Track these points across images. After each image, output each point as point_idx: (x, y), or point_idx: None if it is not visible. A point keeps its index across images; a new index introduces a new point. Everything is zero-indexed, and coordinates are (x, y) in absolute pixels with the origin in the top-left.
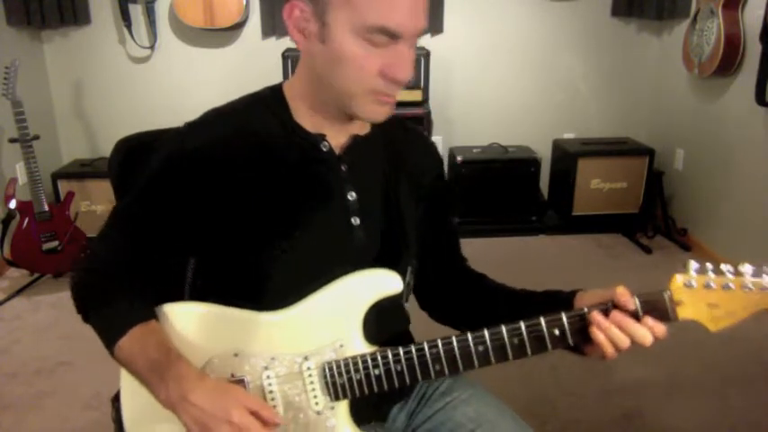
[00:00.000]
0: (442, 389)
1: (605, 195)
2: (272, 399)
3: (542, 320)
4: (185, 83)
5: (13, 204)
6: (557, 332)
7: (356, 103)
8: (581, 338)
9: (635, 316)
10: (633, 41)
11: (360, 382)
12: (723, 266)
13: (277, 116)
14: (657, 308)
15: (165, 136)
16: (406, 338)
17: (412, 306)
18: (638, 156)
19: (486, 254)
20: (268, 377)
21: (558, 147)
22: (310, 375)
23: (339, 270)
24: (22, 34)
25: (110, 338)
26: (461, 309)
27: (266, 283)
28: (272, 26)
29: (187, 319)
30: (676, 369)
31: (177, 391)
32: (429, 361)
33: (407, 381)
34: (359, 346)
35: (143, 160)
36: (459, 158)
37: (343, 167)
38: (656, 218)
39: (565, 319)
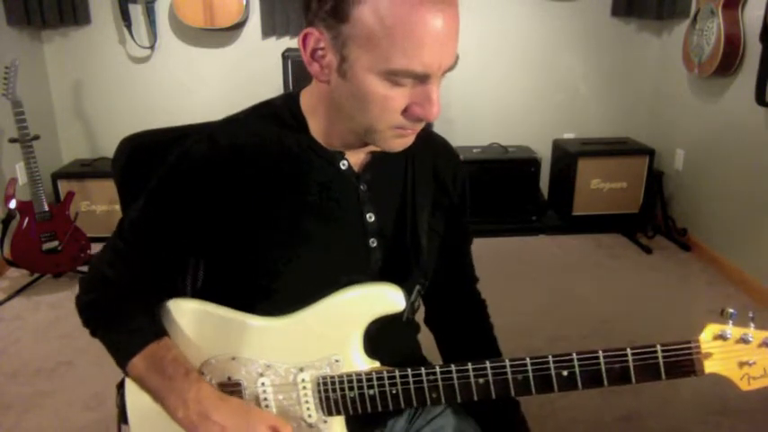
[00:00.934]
0: None
1: (605, 195)
2: (266, 406)
3: (551, 359)
4: (185, 83)
5: (13, 204)
6: (565, 373)
7: (378, 137)
8: (590, 382)
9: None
10: (633, 41)
11: (353, 400)
12: None
13: (293, 131)
14: (681, 363)
15: (176, 139)
16: (412, 355)
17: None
18: (638, 156)
19: (486, 254)
20: (263, 384)
21: (558, 147)
22: (304, 388)
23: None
24: (22, 34)
25: (122, 356)
26: (450, 332)
27: (270, 297)
28: (272, 26)
29: (189, 317)
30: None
31: (198, 410)
32: (426, 388)
33: (402, 404)
34: (357, 362)
35: (148, 159)
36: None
37: (362, 187)
38: (655, 218)
39: (576, 360)
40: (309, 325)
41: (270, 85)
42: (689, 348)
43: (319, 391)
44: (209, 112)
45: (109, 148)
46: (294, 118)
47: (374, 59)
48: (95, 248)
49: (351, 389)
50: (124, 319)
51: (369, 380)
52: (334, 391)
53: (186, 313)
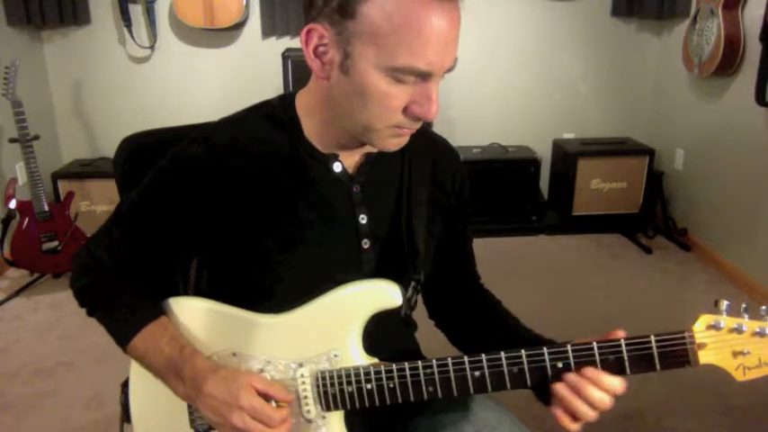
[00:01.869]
0: None
1: (605, 195)
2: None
3: (545, 351)
4: (185, 83)
5: (13, 204)
6: (560, 365)
7: (375, 136)
8: None
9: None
10: (633, 41)
11: (351, 394)
12: (764, 308)
13: (287, 132)
14: (675, 353)
15: (177, 138)
16: (411, 354)
17: (422, 316)
18: (638, 156)
19: (486, 254)
20: None
21: (558, 147)
22: (303, 383)
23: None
24: (22, 34)
25: (122, 337)
26: (462, 326)
27: (267, 296)
28: (272, 26)
29: (190, 314)
30: (676, 369)
31: (193, 384)
32: (422, 382)
33: (399, 399)
34: (356, 357)
35: (149, 159)
36: None
37: (355, 189)
38: (655, 218)
39: (570, 352)
40: (309, 321)
41: (270, 86)
42: (682, 338)
43: (318, 386)
44: (210, 112)
45: (109, 148)
46: (289, 119)
47: (379, 56)
48: None
49: (349, 383)
50: (119, 302)
51: (366, 374)
52: (332, 385)
53: (188, 310)
